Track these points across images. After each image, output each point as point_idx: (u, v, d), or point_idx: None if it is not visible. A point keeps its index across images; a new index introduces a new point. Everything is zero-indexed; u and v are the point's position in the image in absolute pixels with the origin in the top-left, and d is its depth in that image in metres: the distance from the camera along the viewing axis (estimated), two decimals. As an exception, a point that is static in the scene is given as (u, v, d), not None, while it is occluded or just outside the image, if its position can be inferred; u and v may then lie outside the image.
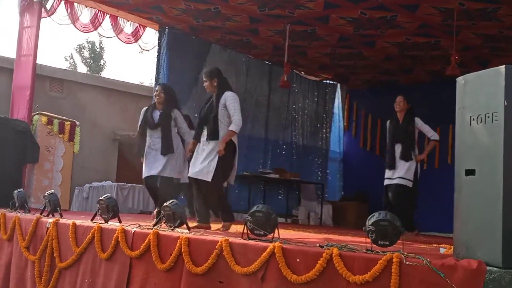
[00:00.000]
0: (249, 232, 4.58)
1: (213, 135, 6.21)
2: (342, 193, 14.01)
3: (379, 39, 10.27)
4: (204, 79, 6.52)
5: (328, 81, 14.04)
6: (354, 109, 14.09)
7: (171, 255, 4.73)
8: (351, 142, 14.23)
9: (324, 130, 14.07)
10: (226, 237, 4.52)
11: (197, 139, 6.42)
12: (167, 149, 6.95)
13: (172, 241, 4.80)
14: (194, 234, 4.87)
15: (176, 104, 7.30)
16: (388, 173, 7.55)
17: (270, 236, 4.51)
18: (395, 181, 7.34)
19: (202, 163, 6.19)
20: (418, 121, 7.30)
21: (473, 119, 3.53)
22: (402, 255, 3.54)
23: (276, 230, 4.57)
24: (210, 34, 10.98)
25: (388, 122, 7.63)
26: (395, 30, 9.67)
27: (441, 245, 5.54)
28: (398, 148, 7.43)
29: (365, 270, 3.60)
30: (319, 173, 13.83)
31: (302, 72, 13.40)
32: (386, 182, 7.52)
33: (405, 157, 7.23)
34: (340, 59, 11.83)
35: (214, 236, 4.78)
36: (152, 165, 7.01)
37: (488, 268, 3.26)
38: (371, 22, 9.38)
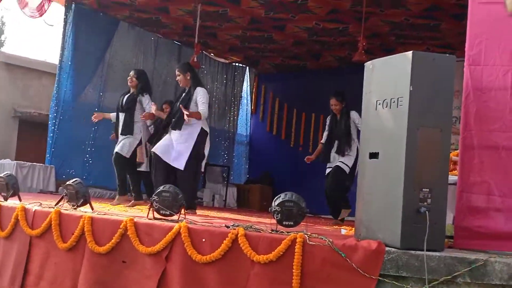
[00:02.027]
0: (155, 212, 4.53)
1: (179, 125, 6.40)
2: (247, 176, 14.12)
3: (290, 23, 10.35)
4: (177, 73, 6.66)
5: (237, 64, 14.05)
6: (262, 93, 14.20)
7: (73, 234, 4.60)
8: (258, 126, 14.35)
9: (232, 113, 14.10)
10: (131, 217, 4.44)
11: (166, 127, 6.62)
12: (126, 131, 7.23)
13: (74, 220, 4.68)
14: (97, 214, 4.75)
15: (148, 89, 7.43)
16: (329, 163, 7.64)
17: (176, 216, 4.47)
18: (335, 164, 7.41)
19: (176, 150, 6.35)
20: (353, 115, 7.38)
21: (379, 104, 3.63)
22: (306, 235, 3.61)
23: (182, 210, 4.55)
24: (119, 11, 10.67)
25: (328, 118, 7.70)
26: (306, 15, 9.78)
27: (342, 227, 5.71)
28: (335, 144, 7.51)
29: (269, 250, 3.65)
30: (225, 156, 13.86)
31: (212, 54, 13.32)
32: (328, 171, 7.59)
33: (341, 152, 7.31)
34: (250, 42, 11.84)
35: (118, 215, 4.69)
36: (117, 144, 7.38)
37: (387, 248, 3.38)
38: (283, 6, 9.43)
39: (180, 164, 6.30)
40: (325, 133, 7.70)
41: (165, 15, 10.60)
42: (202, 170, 7.71)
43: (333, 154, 7.40)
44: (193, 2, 9.67)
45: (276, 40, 11.48)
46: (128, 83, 7.44)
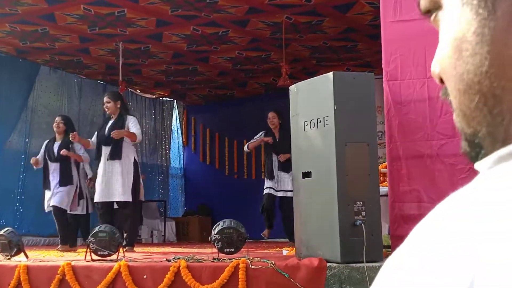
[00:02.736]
0: (92, 253, 4.44)
1: (118, 155, 6.32)
2: (185, 208, 14.03)
3: (213, 54, 10.46)
4: (107, 100, 6.63)
5: (165, 98, 14.02)
6: (192, 125, 14.21)
7: (9, 285, 4.44)
8: (191, 157, 14.32)
9: (164, 147, 14.01)
10: (68, 261, 4.34)
11: (98, 159, 6.46)
12: (65, 181, 7.15)
13: (9, 271, 4.52)
14: (33, 261, 4.61)
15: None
16: (269, 182, 7.60)
17: (114, 255, 4.40)
18: (281, 194, 7.42)
19: (118, 184, 6.22)
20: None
21: (307, 124, 3.73)
22: (248, 260, 3.63)
23: (121, 249, 4.48)
24: (38, 55, 10.49)
25: (261, 133, 7.71)
26: (228, 45, 9.92)
27: (283, 248, 5.76)
28: (275, 160, 7.53)
29: (213, 279, 3.65)
30: (161, 190, 13.73)
31: (138, 90, 13.24)
32: (269, 191, 7.57)
33: (286, 169, 7.32)
34: (175, 75, 11.87)
35: (54, 261, 4.57)
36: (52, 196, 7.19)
37: (329, 264, 3.45)
38: (204, 38, 9.53)
39: (128, 197, 6.22)
40: (264, 153, 7.64)
41: (87, 56, 10.50)
42: (143, 199, 7.92)
43: (276, 171, 7.41)
44: (114, 41, 9.64)
45: (201, 71, 11.56)
46: (55, 129, 7.33)
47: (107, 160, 6.34)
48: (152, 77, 11.99)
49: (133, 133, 6.34)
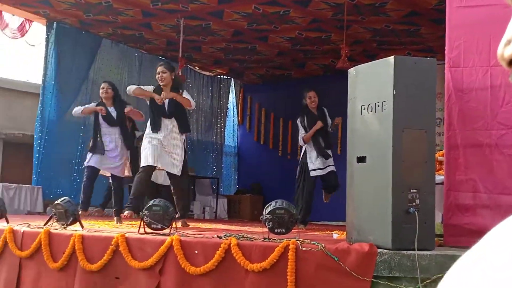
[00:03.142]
0: (146, 226, 4.53)
1: (188, 128, 6.55)
2: (237, 186, 14.14)
3: (272, 34, 10.43)
4: (162, 70, 6.46)
5: (222, 76, 14.10)
6: (248, 104, 14.25)
7: (64, 253, 4.58)
8: (245, 136, 14.39)
9: (219, 125, 14.13)
10: (122, 232, 4.44)
11: (155, 129, 6.33)
12: (128, 145, 7.33)
13: (65, 239, 4.66)
14: (88, 231, 4.74)
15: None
16: (316, 163, 7.54)
17: (167, 229, 4.47)
18: (330, 169, 7.44)
19: (178, 158, 6.31)
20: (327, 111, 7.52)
21: (364, 108, 3.68)
22: (298, 242, 3.63)
23: (174, 223, 4.55)
24: (101, 28, 10.69)
25: (300, 119, 7.65)
26: (288, 25, 9.86)
27: (334, 231, 5.74)
28: (321, 140, 7.53)
29: (263, 258, 3.66)
30: (214, 167, 13.87)
31: (197, 67, 13.35)
32: (317, 173, 7.54)
33: (330, 147, 7.43)
34: (234, 54, 11.90)
35: (109, 232, 4.68)
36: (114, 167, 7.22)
37: (379, 250, 3.41)
38: (265, 17, 9.50)
39: (178, 170, 6.29)
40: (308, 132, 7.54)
41: (148, 31, 10.63)
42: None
43: (315, 155, 7.37)
44: (175, 17, 9.71)
45: (260, 51, 11.55)
46: (103, 95, 7.29)
47: (169, 133, 6.34)
48: (211, 54, 12.05)
49: (187, 99, 6.38)
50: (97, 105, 7.24)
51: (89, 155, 7.25)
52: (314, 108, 7.39)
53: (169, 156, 6.29)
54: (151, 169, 6.29)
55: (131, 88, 6.65)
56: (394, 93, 3.47)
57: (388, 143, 3.46)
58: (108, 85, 7.35)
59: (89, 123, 10.69)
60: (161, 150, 6.25)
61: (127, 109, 7.24)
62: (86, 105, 7.35)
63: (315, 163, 7.35)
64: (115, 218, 6.97)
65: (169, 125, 6.36)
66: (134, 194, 6.18)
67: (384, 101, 3.52)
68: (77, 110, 7.37)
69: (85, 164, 7.29)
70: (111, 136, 7.20)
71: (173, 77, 6.48)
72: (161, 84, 6.45)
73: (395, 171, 3.43)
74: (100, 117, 7.17)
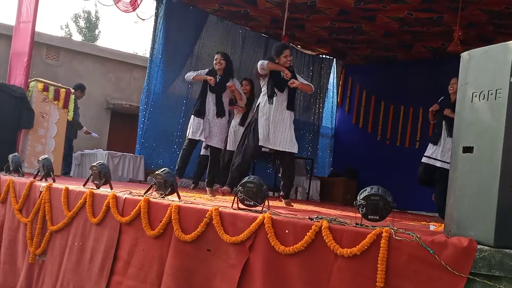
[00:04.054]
0: (239, 202, 4.56)
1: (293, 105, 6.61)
2: (331, 169, 14.00)
3: (380, 13, 10.13)
4: (221, 58, 7.10)
5: (324, 56, 13.94)
6: (349, 85, 14.03)
7: (160, 222, 4.70)
8: (343, 118, 14.19)
9: (318, 106, 14.01)
10: (216, 206, 4.49)
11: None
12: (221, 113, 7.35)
13: (162, 209, 4.78)
14: (184, 203, 4.84)
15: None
16: (431, 149, 7.42)
17: (260, 207, 4.48)
18: (439, 164, 7.30)
19: (287, 135, 6.43)
20: None
21: (475, 96, 3.46)
22: (392, 230, 3.51)
23: (266, 201, 4.55)
24: (208, 4, 10.84)
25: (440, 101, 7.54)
26: (398, 5, 9.53)
27: (431, 223, 5.54)
28: (445, 127, 7.37)
29: (353, 244, 3.57)
30: (309, 148, 13.80)
31: (299, 46, 13.28)
32: (427, 160, 7.41)
33: (451, 134, 7.28)
34: (338, 33, 11.71)
35: (204, 205, 4.75)
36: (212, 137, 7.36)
37: (479, 246, 3.23)
38: (374, -5, 9.25)
39: (296, 147, 6.43)
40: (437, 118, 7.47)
41: (253, 7, 10.65)
42: None
43: (444, 138, 7.19)
44: (280, -5, 9.67)
45: (365, 31, 11.28)
46: (217, 66, 7.32)
47: (285, 108, 6.49)
48: (315, 33, 11.92)
49: (310, 85, 6.78)
50: (207, 74, 7.32)
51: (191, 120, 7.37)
52: (453, 95, 7.19)
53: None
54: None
55: (191, 75, 7.25)
56: (511, 81, 3.24)
57: (499, 135, 3.24)
58: (221, 56, 7.38)
59: (192, 97, 10.95)
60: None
61: (229, 83, 7.28)
62: (198, 71, 7.46)
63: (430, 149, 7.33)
64: (208, 189, 7.09)
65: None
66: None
67: (498, 89, 3.29)
68: (189, 75, 7.49)
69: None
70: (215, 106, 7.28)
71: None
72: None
73: (504, 164, 3.21)
74: (208, 86, 7.26)
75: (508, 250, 3.17)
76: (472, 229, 3.36)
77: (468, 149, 3.47)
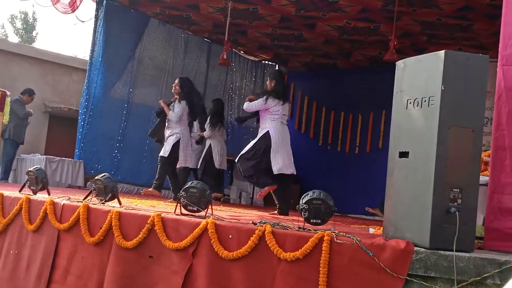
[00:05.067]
0: (182, 207, 4.54)
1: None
2: (276, 174, 14.08)
3: (320, 21, 10.31)
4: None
5: (267, 62, 14.04)
6: (291, 91, 14.16)
7: (100, 228, 4.64)
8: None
9: (261, 111, 14.08)
10: (159, 212, 4.46)
11: None
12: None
13: (102, 215, 4.72)
14: (125, 209, 4.78)
15: (188, 96, 7.94)
16: None
17: (203, 212, 4.48)
18: None
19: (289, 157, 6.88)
20: None
21: (410, 103, 3.58)
22: (333, 234, 3.58)
23: (210, 206, 4.55)
24: (149, 7, 10.75)
25: None
26: (337, 14, 9.73)
27: (370, 226, 5.67)
28: None
29: (296, 248, 3.63)
30: (254, 153, 13.84)
31: (242, 52, 13.34)
32: None
33: None
34: (280, 39, 11.83)
35: (146, 211, 4.71)
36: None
37: (416, 248, 3.34)
38: (313, 4, 9.39)
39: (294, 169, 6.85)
40: None
41: (196, 12, 10.64)
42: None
43: None
44: (223, 0, 9.69)
45: (306, 38, 11.44)
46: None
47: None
48: (257, 39, 12.00)
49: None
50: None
51: None
52: None
53: None
54: None
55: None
56: (443, 88, 3.37)
57: (432, 140, 3.37)
58: (177, 81, 8.00)
59: (134, 101, 10.84)
60: None
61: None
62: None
63: None
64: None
65: None
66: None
67: (431, 96, 3.42)
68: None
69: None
70: None
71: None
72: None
73: (438, 168, 3.34)
74: None
75: (442, 252, 3.28)
76: (409, 232, 3.47)
77: (404, 154, 3.59)
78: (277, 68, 14.22)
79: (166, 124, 7.96)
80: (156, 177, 7.81)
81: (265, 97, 6.70)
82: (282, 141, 6.67)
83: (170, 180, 7.99)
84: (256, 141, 6.66)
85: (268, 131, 6.64)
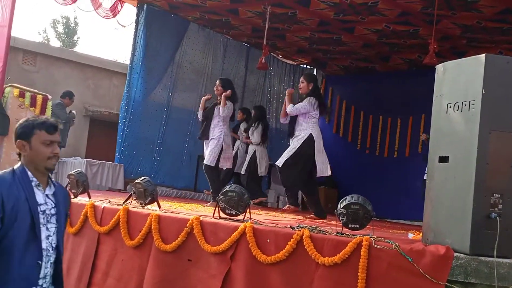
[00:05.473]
0: (220, 211, 4.57)
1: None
2: (312, 178, 14.04)
3: (359, 25, 10.25)
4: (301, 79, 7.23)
5: (305, 66, 14.02)
6: (329, 95, 14.10)
7: (140, 231, 4.69)
8: (324, 128, 14.14)
9: (299, 115, 14.06)
10: (197, 216, 4.50)
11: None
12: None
13: (142, 218, 4.77)
14: (164, 212, 4.83)
15: (233, 98, 7.96)
16: None
17: (241, 216, 4.50)
18: None
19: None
20: None
21: (450, 107, 3.54)
22: (372, 239, 3.56)
23: (248, 210, 4.57)
24: (189, 12, 10.85)
25: None
26: (375, 17, 9.66)
27: (410, 231, 5.61)
28: None
29: (334, 252, 3.62)
30: (292, 156, 13.83)
31: (280, 56, 13.34)
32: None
33: None
34: (318, 43, 11.79)
35: (185, 214, 4.75)
36: None
37: (456, 254, 3.30)
38: (352, 8, 9.34)
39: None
40: None
41: (235, 16, 10.70)
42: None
43: None
44: (262, 4, 9.72)
45: (344, 42, 11.39)
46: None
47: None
48: (295, 43, 12.00)
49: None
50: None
51: None
52: None
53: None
54: None
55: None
56: (483, 92, 3.32)
57: (473, 144, 3.32)
58: (219, 82, 7.94)
59: (173, 105, 10.96)
60: None
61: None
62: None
63: None
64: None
65: None
66: None
67: (471, 100, 3.38)
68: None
69: None
70: None
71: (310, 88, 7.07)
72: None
73: (478, 173, 3.29)
74: None
75: (483, 258, 3.24)
76: (449, 237, 3.43)
77: (444, 159, 3.55)
78: (315, 72, 14.18)
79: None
80: (211, 190, 7.67)
81: (313, 100, 6.72)
82: (321, 144, 6.71)
83: (211, 185, 7.91)
84: (301, 144, 6.64)
85: (311, 133, 6.65)
